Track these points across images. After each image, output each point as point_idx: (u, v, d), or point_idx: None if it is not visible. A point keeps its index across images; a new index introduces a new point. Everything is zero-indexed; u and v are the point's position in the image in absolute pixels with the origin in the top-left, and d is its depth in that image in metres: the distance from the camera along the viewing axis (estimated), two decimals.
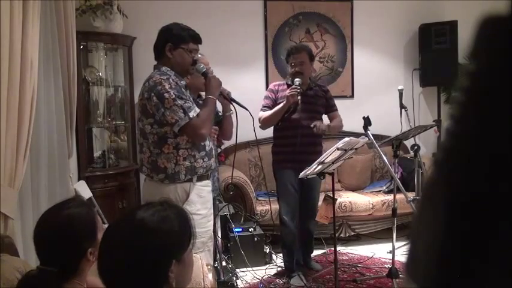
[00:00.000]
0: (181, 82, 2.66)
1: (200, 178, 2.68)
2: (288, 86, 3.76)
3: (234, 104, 2.97)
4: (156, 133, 2.58)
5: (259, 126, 3.77)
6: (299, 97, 3.58)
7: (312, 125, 3.61)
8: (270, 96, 3.82)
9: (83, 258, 1.59)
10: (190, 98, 2.67)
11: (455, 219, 0.39)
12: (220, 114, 3.26)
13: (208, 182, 2.77)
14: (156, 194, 2.61)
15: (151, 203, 1.44)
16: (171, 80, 2.57)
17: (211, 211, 2.77)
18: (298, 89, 3.57)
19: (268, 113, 3.74)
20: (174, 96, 2.51)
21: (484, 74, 0.39)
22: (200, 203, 2.64)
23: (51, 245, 1.57)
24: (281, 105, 3.67)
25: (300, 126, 3.65)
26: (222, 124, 3.24)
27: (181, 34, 2.67)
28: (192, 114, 2.54)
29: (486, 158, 0.38)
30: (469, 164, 0.39)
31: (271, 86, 3.94)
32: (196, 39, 2.71)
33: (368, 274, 3.95)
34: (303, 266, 3.97)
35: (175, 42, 2.65)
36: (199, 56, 3.18)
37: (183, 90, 2.62)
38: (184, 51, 2.66)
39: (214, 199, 3.30)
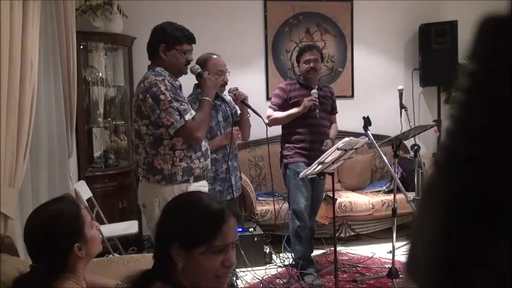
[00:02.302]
0: (176, 83, 2.65)
1: (197, 179, 2.67)
2: (300, 84, 3.83)
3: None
4: (152, 134, 2.56)
5: (267, 123, 3.77)
6: (317, 110, 3.72)
7: (324, 145, 3.74)
8: (282, 95, 3.85)
9: (70, 254, 1.60)
10: (186, 99, 2.66)
11: (454, 220, 0.39)
12: (238, 114, 3.37)
13: (204, 183, 2.76)
14: (153, 195, 2.60)
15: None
16: (166, 81, 2.54)
17: None
18: (316, 100, 3.69)
19: (281, 114, 3.79)
20: (169, 98, 2.50)
21: (484, 74, 0.39)
22: None
23: (36, 244, 1.60)
24: (296, 110, 3.73)
25: (315, 124, 3.75)
26: (240, 125, 3.37)
27: (176, 35, 2.63)
28: (187, 117, 2.52)
29: (486, 158, 0.38)
30: (469, 164, 0.39)
31: (282, 85, 3.96)
32: (191, 39, 2.68)
33: (368, 274, 3.95)
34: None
35: (170, 43, 2.62)
36: (214, 57, 3.24)
37: (178, 91, 2.61)
38: (178, 52, 2.63)
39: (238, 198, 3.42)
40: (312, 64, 3.77)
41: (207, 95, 2.68)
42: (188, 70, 2.79)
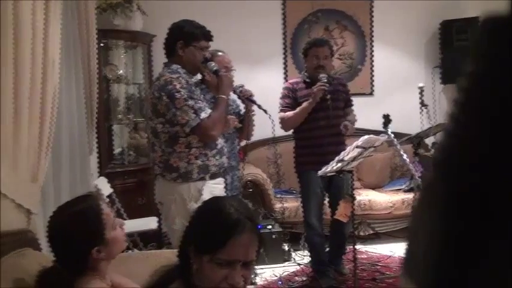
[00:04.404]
0: (192, 80, 2.65)
1: (213, 176, 2.66)
2: (306, 83, 3.57)
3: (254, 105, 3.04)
4: (168, 132, 2.56)
5: (282, 128, 3.61)
6: (328, 96, 3.36)
7: (341, 127, 3.41)
8: (290, 95, 3.57)
9: (89, 256, 1.59)
10: (201, 96, 2.65)
11: (452, 220, 0.38)
12: (242, 113, 3.26)
13: (221, 180, 2.75)
14: (169, 193, 2.61)
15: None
16: (181, 78, 2.54)
17: None
18: (326, 85, 3.35)
19: (292, 112, 3.51)
20: (185, 96, 2.49)
21: (484, 74, 0.39)
22: None
23: (56, 244, 1.61)
24: (306, 103, 3.43)
25: (326, 126, 3.45)
26: (243, 124, 3.24)
27: (193, 32, 2.64)
28: (203, 115, 2.51)
29: (485, 159, 0.37)
30: (467, 164, 0.38)
31: (287, 85, 3.69)
32: (208, 36, 2.68)
33: (387, 273, 3.92)
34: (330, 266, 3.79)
35: (187, 39, 2.62)
36: (220, 54, 3.20)
37: (194, 88, 2.60)
38: (195, 49, 2.64)
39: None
40: (320, 61, 3.47)
41: (223, 93, 2.66)
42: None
